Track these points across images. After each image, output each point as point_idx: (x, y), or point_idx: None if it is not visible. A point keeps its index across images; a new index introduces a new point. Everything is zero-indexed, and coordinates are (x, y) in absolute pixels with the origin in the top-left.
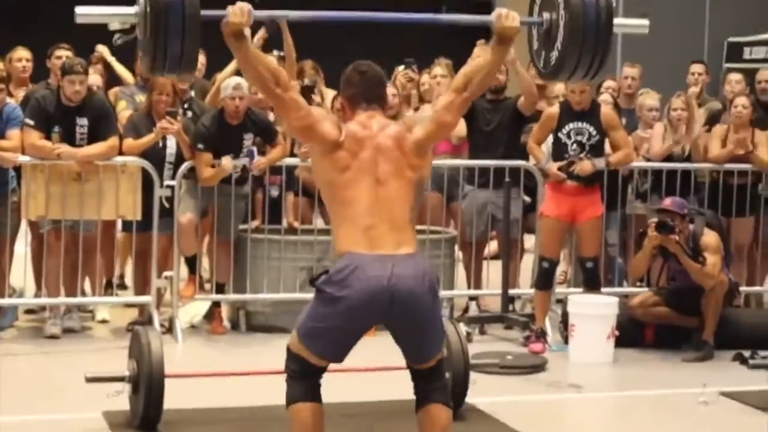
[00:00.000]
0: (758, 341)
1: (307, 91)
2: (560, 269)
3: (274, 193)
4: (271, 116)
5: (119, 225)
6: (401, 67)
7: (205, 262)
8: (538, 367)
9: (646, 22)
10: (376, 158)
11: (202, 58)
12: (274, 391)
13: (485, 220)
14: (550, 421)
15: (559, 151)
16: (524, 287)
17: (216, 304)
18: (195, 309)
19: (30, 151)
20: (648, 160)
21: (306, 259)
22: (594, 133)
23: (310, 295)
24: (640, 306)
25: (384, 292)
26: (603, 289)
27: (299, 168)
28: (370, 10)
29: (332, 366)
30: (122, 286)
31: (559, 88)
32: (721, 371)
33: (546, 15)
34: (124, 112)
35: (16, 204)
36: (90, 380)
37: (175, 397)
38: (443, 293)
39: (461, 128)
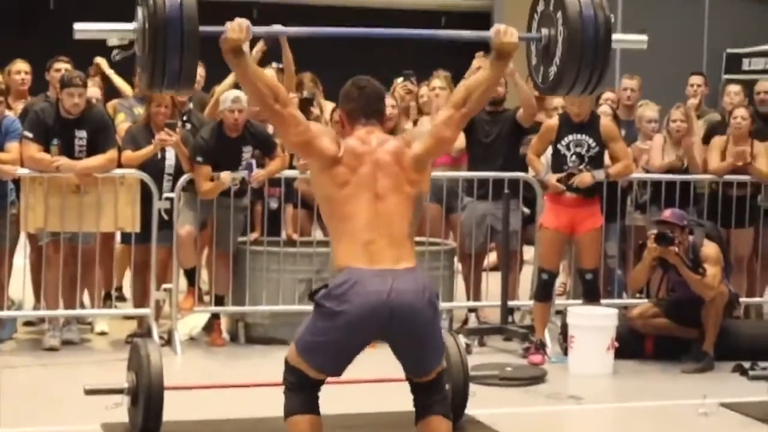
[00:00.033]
0: (758, 352)
1: (305, 104)
2: (560, 281)
3: (274, 205)
4: (270, 129)
5: (118, 237)
6: (400, 79)
7: (204, 275)
8: (538, 379)
9: (644, 37)
10: (375, 173)
11: (201, 71)
12: (273, 403)
13: (484, 232)
14: None
15: (558, 162)
16: (523, 299)
17: (215, 316)
18: (194, 321)
19: (29, 163)
20: (647, 171)
21: (305, 271)
22: (593, 144)
23: (309, 307)
24: (639, 317)
25: (383, 306)
26: (602, 301)
27: (298, 180)
28: (369, 23)
29: (331, 378)
30: (120, 298)
31: (558, 99)
32: (721, 382)
33: (545, 31)
34: (122, 124)
35: (15, 216)
36: (89, 392)
37: (174, 409)
38: (442, 305)
39: (460, 140)
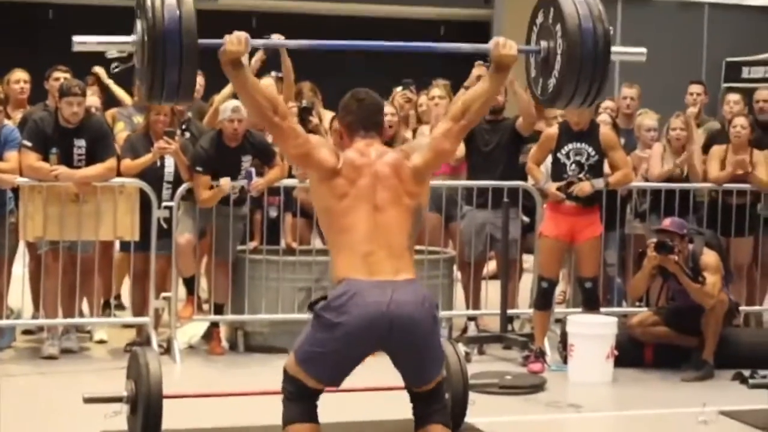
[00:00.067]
0: (758, 360)
1: (305, 113)
2: (559, 289)
3: (273, 213)
4: (270, 138)
5: (117, 246)
6: (399, 88)
7: (203, 283)
8: (538, 387)
9: (643, 50)
10: (374, 185)
11: (200, 80)
12: (272, 412)
13: (484, 240)
14: None
15: (558, 171)
16: (523, 307)
17: (214, 325)
18: (193, 329)
19: (28, 172)
20: (647, 180)
21: (304, 279)
22: (593, 153)
23: (308, 316)
24: (639, 325)
25: (383, 318)
26: (602, 309)
27: (297, 189)
28: (368, 32)
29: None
30: (119, 307)
31: None
32: (721, 390)
33: (544, 43)
34: (121, 133)
35: (14, 225)
36: (88, 401)
37: (173, 417)
38: (442, 313)
39: (460, 149)
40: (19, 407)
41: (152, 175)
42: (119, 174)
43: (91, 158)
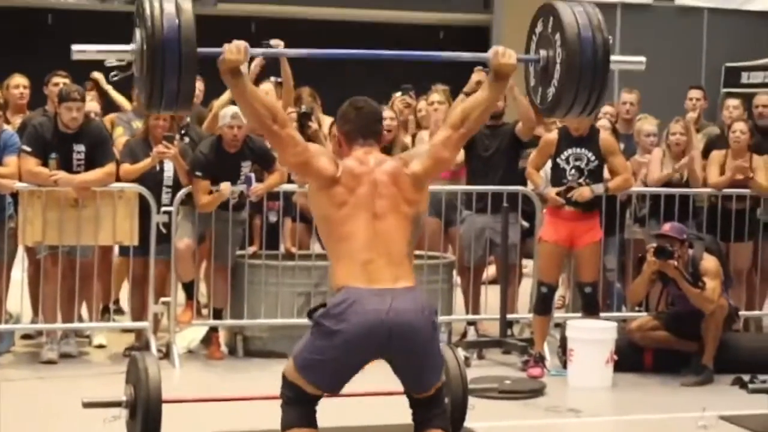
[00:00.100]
0: (758, 365)
1: (304, 118)
2: (559, 294)
3: (273, 218)
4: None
5: (116, 250)
6: (399, 93)
7: (202, 288)
8: (537, 392)
9: (642, 59)
10: (373, 194)
11: (200, 85)
12: (271, 417)
13: (483, 245)
14: None
15: (557, 176)
16: (522, 312)
17: (213, 330)
18: (192, 334)
19: (27, 177)
20: (646, 185)
21: (303, 284)
22: (593, 158)
23: (307, 320)
24: (638, 330)
25: (382, 326)
26: (601, 314)
27: (297, 194)
28: (367, 38)
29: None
30: (119, 311)
31: None
32: (721, 395)
33: (543, 52)
34: (120, 138)
35: (13, 230)
36: (87, 405)
37: (173, 422)
38: (441, 318)
39: (459, 154)
40: (19, 412)
41: (151, 179)
42: (118, 179)
43: (91, 163)
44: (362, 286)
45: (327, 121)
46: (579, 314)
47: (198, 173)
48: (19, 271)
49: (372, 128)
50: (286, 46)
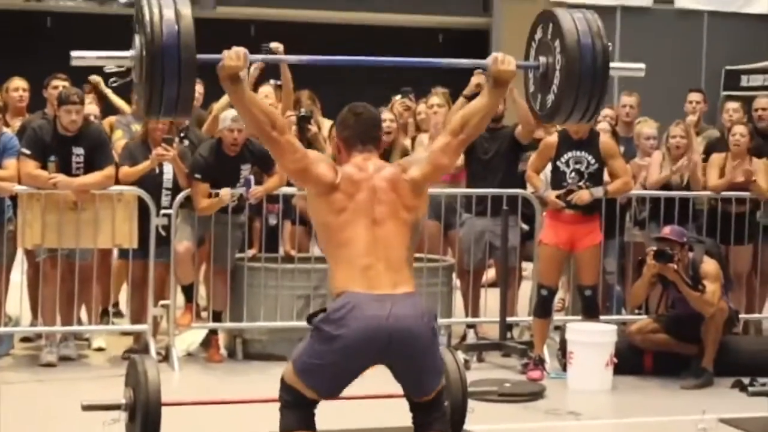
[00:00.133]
0: (758, 368)
1: (303, 121)
2: (558, 297)
3: (272, 221)
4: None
5: (115, 253)
6: (398, 96)
7: (201, 291)
8: (537, 395)
9: (642, 65)
10: (372, 200)
11: (199, 88)
12: (270, 420)
13: (483, 248)
14: None
15: (557, 179)
16: (522, 315)
17: (213, 332)
18: (191, 337)
19: (26, 180)
20: (646, 188)
21: (303, 287)
22: (592, 161)
23: (306, 324)
24: (638, 332)
25: (382, 331)
26: (601, 317)
27: (296, 197)
28: (366, 41)
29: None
30: (118, 314)
31: None
32: (721, 398)
33: (542, 59)
34: (120, 141)
35: (12, 233)
36: (86, 408)
37: (172, 425)
38: (441, 321)
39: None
40: (18, 415)
41: (151, 182)
42: (117, 182)
43: (90, 166)
44: (362, 291)
45: (326, 124)
46: (579, 317)
47: (197, 176)
48: (19, 274)
49: (371, 134)
50: (285, 49)
